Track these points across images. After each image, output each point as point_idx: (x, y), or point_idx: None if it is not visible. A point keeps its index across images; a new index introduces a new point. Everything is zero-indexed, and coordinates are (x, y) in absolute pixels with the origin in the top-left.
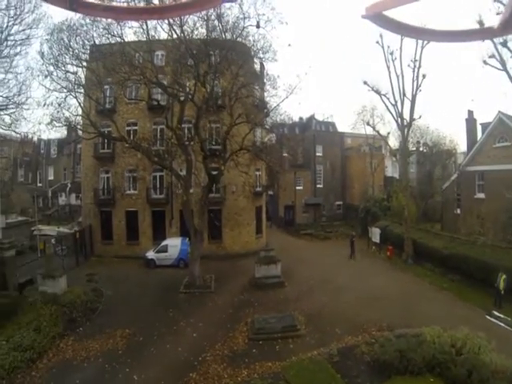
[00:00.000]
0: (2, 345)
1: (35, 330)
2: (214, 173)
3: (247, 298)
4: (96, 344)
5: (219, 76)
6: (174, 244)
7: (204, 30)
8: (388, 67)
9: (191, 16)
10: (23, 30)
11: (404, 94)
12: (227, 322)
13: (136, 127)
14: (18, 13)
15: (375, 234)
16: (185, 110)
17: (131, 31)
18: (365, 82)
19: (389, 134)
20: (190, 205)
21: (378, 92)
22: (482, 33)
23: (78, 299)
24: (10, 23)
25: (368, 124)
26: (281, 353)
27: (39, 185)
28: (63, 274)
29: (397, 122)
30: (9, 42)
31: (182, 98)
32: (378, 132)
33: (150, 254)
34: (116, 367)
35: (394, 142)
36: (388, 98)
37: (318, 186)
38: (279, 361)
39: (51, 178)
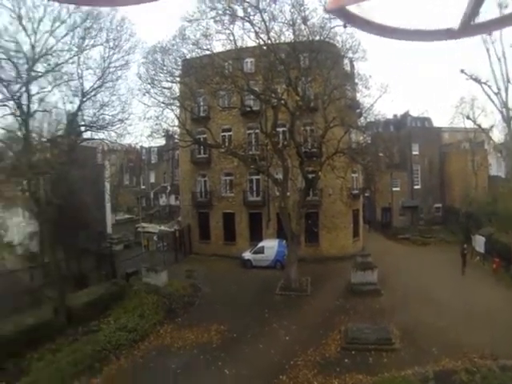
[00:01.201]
0: (111, 324)
1: (139, 316)
2: (311, 176)
3: (342, 303)
4: (192, 335)
5: (311, 80)
6: (271, 245)
7: (291, 34)
8: (487, 50)
9: (277, 22)
10: (122, 57)
11: (508, 80)
12: (321, 327)
13: (230, 133)
14: (116, 43)
15: (479, 242)
16: (278, 115)
17: (219, 43)
18: (462, 71)
19: (492, 127)
20: (288, 209)
21: (477, 80)
22: (443, 34)
23: (177, 292)
24: (111, 53)
25: (468, 117)
26: (373, 366)
27: (142, 187)
28: (164, 268)
29: (501, 112)
30: (111, 69)
31: (274, 104)
32: (479, 126)
33: (247, 255)
34: (209, 359)
35: (498, 136)
36: (489, 86)
37: (416, 187)
38: (371, 375)
39: (152, 181)
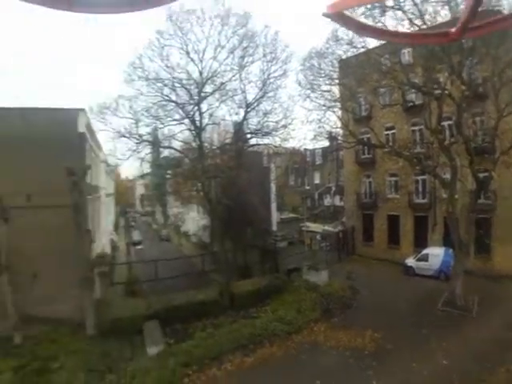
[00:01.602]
0: (268, 314)
1: (296, 310)
2: (482, 176)
3: None
4: (345, 337)
5: (476, 62)
6: (436, 254)
7: (447, 12)
8: None
9: (429, 2)
10: (280, 67)
11: None
12: (485, 359)
13: (394, 131)
14: (273, 56)
15: None
16: (443, 107)
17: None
18: None
19: None
20: (455, 214)
21: None
22: (440, 36)
23: (336, 293)
24: (269, 65)
25: None
26: None
27: (307, 188)
28: (325, 268)
29: None
30: (270, 80)
31: (437, 95)
32: None
33: (410, 261)
34: (360, 366)
35: None
36: None
37: None
38: None
39: (317, 181)
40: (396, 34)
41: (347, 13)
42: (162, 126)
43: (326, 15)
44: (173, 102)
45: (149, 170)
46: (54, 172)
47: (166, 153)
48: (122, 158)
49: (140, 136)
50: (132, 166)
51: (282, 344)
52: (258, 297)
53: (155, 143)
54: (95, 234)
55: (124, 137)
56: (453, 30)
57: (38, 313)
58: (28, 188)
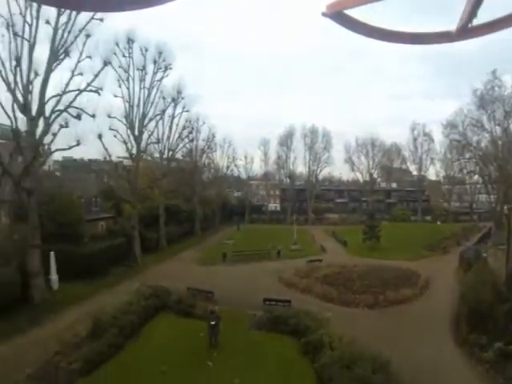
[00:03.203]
0: None
1: None
2: None
3: None
4: None
5: None
6: None
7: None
8: None
9: None
10: None
11: None
12: None
13: None
14: None
15: None
16: None
17: None
18: None
19: None
20: None
21: None
22: (441, 37)
23: None
24: None
25: None
26: None
27: None
28: None
29: None
30: None
31: None
32: None
33: None
34: None
35: None
36: None
37: None
38: None
39: None
40: (397, 35)
41: (348, 13)
42: None
43: (325, 15)
44: None
45: None
46: None
47: None
48: None
49: None
50: None
51: None
52: None
53: None
54: None
55: None
56: (453, 31)
57: None
58: None
